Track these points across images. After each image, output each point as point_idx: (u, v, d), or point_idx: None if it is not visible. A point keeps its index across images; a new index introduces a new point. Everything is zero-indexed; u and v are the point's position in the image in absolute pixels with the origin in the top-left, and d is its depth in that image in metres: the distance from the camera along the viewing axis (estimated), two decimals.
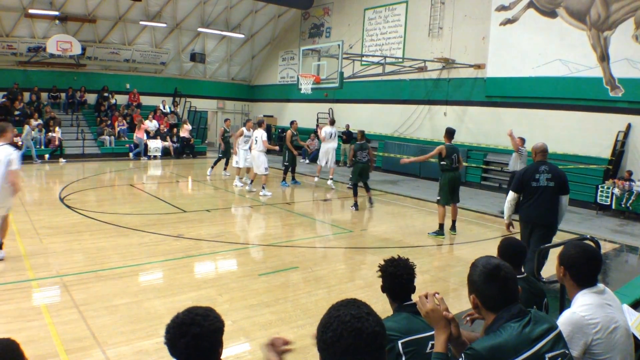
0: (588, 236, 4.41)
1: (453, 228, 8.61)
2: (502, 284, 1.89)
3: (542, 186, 5.43)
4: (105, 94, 20.36)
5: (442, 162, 8.38)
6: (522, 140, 10.42)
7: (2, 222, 6.06)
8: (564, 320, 2.29)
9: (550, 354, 1.82)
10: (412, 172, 15.86)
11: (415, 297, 2.53)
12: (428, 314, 1.91)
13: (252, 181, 12.14)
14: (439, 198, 8.49)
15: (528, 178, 5.51)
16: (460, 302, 5.01)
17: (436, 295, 1.97)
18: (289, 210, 10.38)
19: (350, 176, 10.80)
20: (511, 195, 5.69)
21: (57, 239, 7.15)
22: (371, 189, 10.94)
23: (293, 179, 13.62)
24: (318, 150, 19.44)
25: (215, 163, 14.81)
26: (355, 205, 10.39)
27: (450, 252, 7.78)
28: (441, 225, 8.41)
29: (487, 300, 1.92)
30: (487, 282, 1.91)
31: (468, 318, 2.08)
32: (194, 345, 1.63)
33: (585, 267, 2.40)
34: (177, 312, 1.71)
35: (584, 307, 2.31)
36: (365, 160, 10.40)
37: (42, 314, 4.51)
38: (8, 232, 6.27)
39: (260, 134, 11.58)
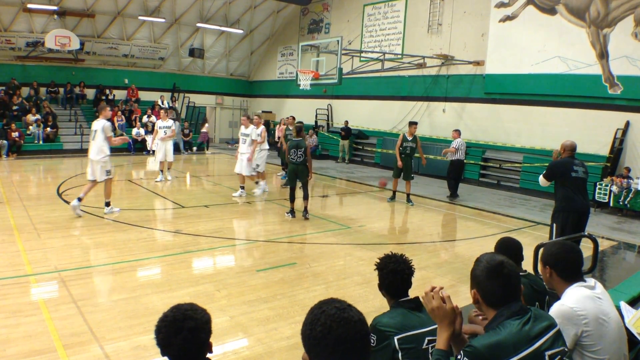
0: (586, 233, 4.41)
1: (409, 199, 10.93)
2: (504, 281, 1.88)
3: (580, 177, 6.08)
4: (103, 97, 20.27)
5: (400, 148, 10.72)
6: (458, 133, 11.70)
7: (105, 185, 8.26)
8: (553, 313, 2.28)
9: (549, 352, 1.82)
10: None
11: (413, 293, 2.53)
12: (433, 310, 1.90)
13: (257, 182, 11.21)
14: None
15: (566, 169, 6.07)
16: (457, 299, 4.99)
17: (442, 292, 1.94)
18: (286, 207, 10.36)
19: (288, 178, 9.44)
20: (544, 181, 6.37)
21: (55, 234, 7.13)
22: (309, 196, 9.26)
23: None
24: (317, 146, 19.50)
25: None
26: (291, 212, 9.07)
27: (448, 248, 7.79)
28: (394, 193, 11.05)
29: (489, 296, 1.92)
30: (490, 278, 1.90)
31: (479, 317, 2.06)
32: (192, 338, 1.65)
33: (569, 261, 2.44)
34: (163, 313, 1.73)
35: (572, 299, 2.32)
36: (299, 162, 8.67)
37: (40, 309, 4.50)
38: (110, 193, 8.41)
39: (171, 125, 11.61)
